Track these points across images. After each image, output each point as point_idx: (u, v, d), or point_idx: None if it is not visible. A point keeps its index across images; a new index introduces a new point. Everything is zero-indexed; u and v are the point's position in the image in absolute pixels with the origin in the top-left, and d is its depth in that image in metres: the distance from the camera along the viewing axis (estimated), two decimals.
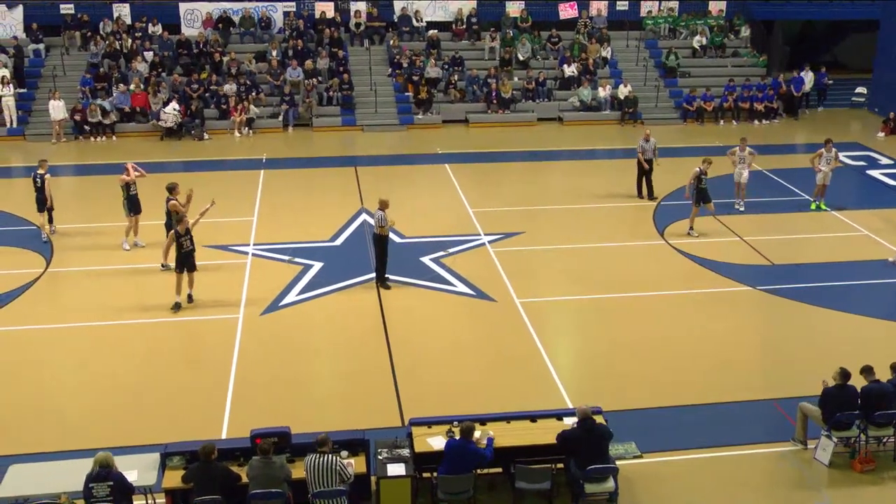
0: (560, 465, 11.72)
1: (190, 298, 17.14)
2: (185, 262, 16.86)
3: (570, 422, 11.73)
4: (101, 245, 20.14)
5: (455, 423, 11.62)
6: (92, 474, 10.25)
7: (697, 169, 20.71)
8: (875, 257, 20.04)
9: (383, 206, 17.62)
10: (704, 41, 35.57)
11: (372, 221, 21.25)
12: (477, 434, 11.35)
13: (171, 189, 18.22)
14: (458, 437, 11.18)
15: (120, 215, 20.09)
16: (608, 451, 11.46)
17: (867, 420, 12.44)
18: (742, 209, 22.67)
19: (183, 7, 33.57)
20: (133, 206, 19.69)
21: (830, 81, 34.56)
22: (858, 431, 12.52)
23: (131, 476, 10.66)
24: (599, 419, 11.77)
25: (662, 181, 24.16)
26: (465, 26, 34.97)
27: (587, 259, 19.83)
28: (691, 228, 21.09)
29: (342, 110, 31.54)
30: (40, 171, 20.29)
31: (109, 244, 20.11)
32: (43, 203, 20.40)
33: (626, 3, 36.24)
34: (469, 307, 17.44)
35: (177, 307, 16.89)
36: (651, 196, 23.56)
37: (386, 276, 18.09)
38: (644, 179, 23.63)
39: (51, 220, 20.88)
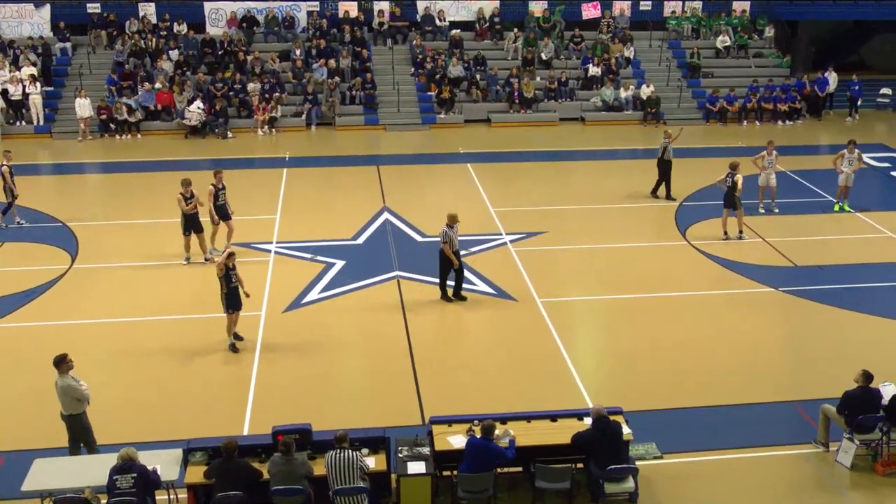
0: (580, 465, 11.73)
1: (237, 337, 15.75)
2: (235, 298, 15.46)
3: (590, 422, 11.75)
4: (125, 242, 20.32)
5: (475, 421, 11.65)
6: (116, 467, 10.41)
7: (741, 176, 20.39)
8: None
9: (450, 221, 17.05)
10: (728, 41, 35.40)
11: (395, 222, 21.42)
12: (497, 433, 11.37)
13: (185, 183, 18.74)
14: (479, 436, 11.22)
15: (144, 212, 20.23)
16: (625, 450, 11.46)
17: (891, 423, 12.38)
18: (777, 210, 22.57)
19: (208, 6, 33.80)
20: (222, 213, 19.32)
21: (857, 87, 33.72)
22: (881, 434, 12.45)
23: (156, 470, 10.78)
24: (620, 419, 11.79)
25: (685, 182, 24.21)
26: (487, 26, 34.99)
27: (609, 259, 19.80)
28: (741, 232, 20.85)
29: (365, 109, 31.65)
30: (4, 163, 20.79)
31: (134, 241, 20.30)
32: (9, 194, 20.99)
33: (650, 3, 36.14)
34: (490, 306, 17.46)
35: (233, 349, 15.57)
36: (655, 193, 23.68)
37: (447, 288, 17.50)
38: (667, 179, 23.56)
39: (4, 212, 21.14)
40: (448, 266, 17.25)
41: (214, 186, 19.07)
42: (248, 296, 15.61)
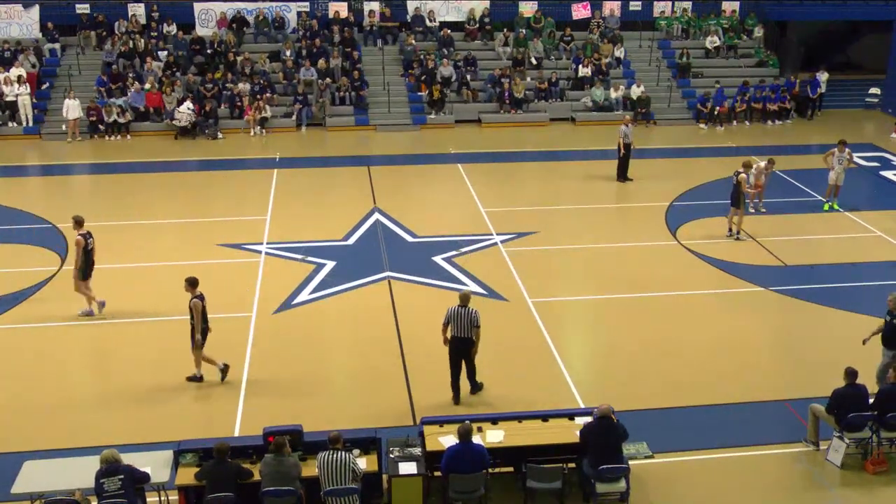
0: (571, 465, 11.74)
1: None
2: None
3: (581, 421, 11.77)
4: (115, 243, 20.18)
5: (466, 422, 11.63)
6: (101, 470, 10.35)
7: (745, 175, 20.62)
8: (888, 258, 19.97)
9: (462, 301, 14.00)
10: (718, 42, 35.47)
11: (386, 223, 21.35)
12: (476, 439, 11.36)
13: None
14: (457, 442, 11.18)
15: (133, 214, 20.10)
16: (621, 450, 11.46)
17: (880, 422, 12.43)
18: (764, 210, 22.64)
19: (197, 7, 33.70)
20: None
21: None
22: (871, 433, 12.50)
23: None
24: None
25: (674, 183, 24.37)
26: (477, 26, 34.99)
27: (599, 259, 19.83)
28: (739, 232, 20.88)
29: (355, 110, 31.59)
30: None
31: (124, 242, 20.22)
32: None
33: (639, 3, 36.15)
34: (481, 307, 17.20)
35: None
36: (624, 178, 25.05)
37: (458, 387, 14.11)
38: (622, 163, 25.00)
39: None
40: (458, 357, 13.99)
41: (83, 237, 16.65)
42: None
